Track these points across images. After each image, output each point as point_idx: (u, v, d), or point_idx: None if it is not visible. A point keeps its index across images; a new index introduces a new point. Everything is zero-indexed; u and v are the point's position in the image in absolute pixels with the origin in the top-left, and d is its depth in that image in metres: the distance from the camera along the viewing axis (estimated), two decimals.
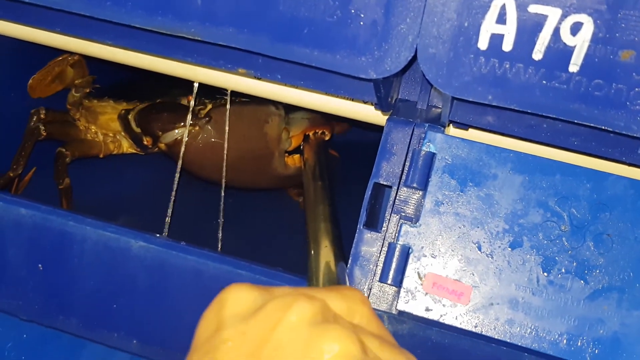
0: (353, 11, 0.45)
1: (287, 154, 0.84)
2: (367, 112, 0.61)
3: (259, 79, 0.58)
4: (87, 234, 0.58)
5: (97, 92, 0.87)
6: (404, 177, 0.54)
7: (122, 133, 0.85)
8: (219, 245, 0.77)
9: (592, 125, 0.44)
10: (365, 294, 0.53)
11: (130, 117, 0.80)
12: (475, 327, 0.50)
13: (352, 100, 0.58)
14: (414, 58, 0.45)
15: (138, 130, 0.80)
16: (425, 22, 0.44)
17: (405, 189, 0.54)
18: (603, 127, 0.43)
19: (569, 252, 0.51)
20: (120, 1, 0.49)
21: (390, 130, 0.55)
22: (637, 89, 0.42)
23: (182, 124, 0.75)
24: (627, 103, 0.43)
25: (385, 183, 0.54)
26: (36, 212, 0.59)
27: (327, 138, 0.84)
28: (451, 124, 0.56)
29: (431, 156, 0.53)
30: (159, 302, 0.58)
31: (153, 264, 0.58)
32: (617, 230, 0.50)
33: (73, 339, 0.64)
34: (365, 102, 0.59)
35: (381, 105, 0.54)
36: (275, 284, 0.55)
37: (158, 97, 0.83)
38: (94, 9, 0.50)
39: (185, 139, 0.75)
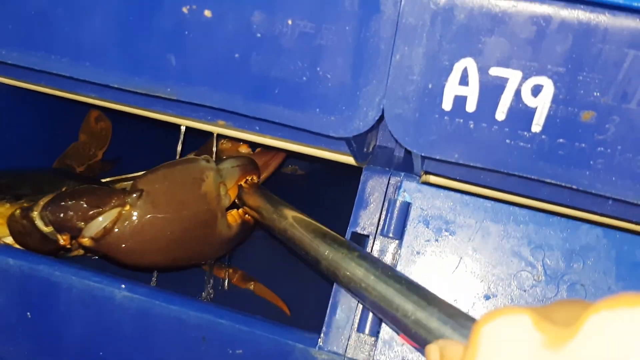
0: (321, 73, 0.46)
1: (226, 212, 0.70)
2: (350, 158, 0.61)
3: (237, 130, 0.59)
4: (73, 283, 0.60)
5: None
6: (380, 225, 0.55)
7: (5, 241, 0.69)
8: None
9: (556, 183, 0.44)
10: (344, 344, 0.54)
11: (34, 215, 0.62)
12: None
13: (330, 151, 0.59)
14: (382, 117, 0.46)
15: (48, 229, 0.62)
16: (390, 84, 0.45)
17: (382, 238, 0.55)
18: (567, 185, 0.44)
19: (543, 301, 0.51)
20: (98, 63, 0.50)
21: (367, 179, 0.56)
22: (599, 149, 0.43)
23: (108, 206, 0.59)
24: (590, 162, 0.43)
25: (362, 232, 0.55)
26: (23, 262, 0.60)
27: (256, 181, 0.72)
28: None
29: (407, 205, 0.54)
30: (144, 349, 0.59)
31: (136, 312, 0.59)
32: (590, 279, 0.51)
33: None
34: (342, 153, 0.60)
35: (356, 157, 0.55)
36: (256, 333, 0.56)
37: (50, 191, 0.67)
38: (73, 70, 0.51)
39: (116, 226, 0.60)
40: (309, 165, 1.11)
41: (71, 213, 0.59)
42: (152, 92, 0.50)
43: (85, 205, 0.59)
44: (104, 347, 0.61)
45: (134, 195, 0.60)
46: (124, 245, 0.60)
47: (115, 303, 0.59)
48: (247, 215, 0.70)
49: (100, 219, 0.59)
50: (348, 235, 0.55)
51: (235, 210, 0.70)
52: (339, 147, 0.55)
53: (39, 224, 0.61)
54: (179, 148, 0.72)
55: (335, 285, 0.55)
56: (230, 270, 0.81)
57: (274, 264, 0.86)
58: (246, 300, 0.79)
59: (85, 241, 0.60)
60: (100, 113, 0.96)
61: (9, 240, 0.69)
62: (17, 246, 0.68)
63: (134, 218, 0.60)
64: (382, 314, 0.47)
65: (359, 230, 0.55)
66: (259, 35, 0.47)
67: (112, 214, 0.60)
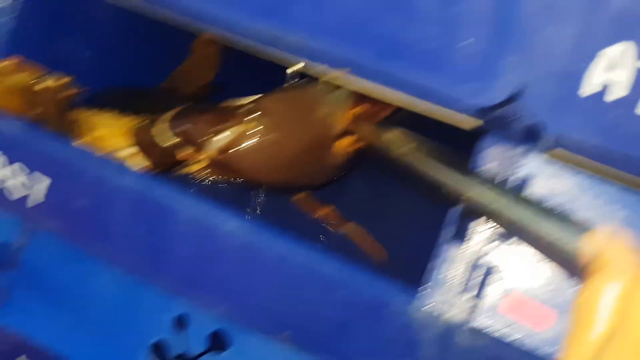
0: (460, 40, 0.44)
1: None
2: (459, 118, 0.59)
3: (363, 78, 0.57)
4: (186, 208, 0.62)
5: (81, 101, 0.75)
6: None
7: (129, 150, 0.72)
8: None
9: None
10: (445, 304, 0.54)
11: (161, 127, 0.66)
12: (551, 355, 0.51)
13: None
14: (518, 93, 0.44)
15: (173, 141, 0.66)
16: (533, 59, 0.42)
17: None
18: None
19: None
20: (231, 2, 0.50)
21: (486, 146, 0.54)
22: None
23: (233, 123, 0.63)
24: None
25: None
26: (143, 183, 0.63)
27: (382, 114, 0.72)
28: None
29: (524, 177, 0.52)
30: (248, 279, 0.62)
31: (242, 244, 0.61)
32: None
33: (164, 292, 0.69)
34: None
35: (485, 124, 0.53)
36: (358, 279, 0.57)
37: (166, 108, 0.71)
38: (205, 8, 0.51)
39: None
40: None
41: (198, 127, 0.64)
42: (283, 37, 0.50)
43: (211, 121, 0.63)
44: (208, 269, 0.63)
45: (256, 114, 0.63)
46: (244, 160, 0.64)
47: (223, 232, 0.61)
48: (353, 146, 0.71)
49: (224, 134, 0.63)
50: (459, 204, 0.54)
51: (346, 139, 0.71)
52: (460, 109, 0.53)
53: (166, 135, 0.66)
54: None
55: (442, 245, 0.55)
56: (327, 210, 0.81)
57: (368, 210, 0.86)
58: None
59: (208, 154, 0.65)
60: (211, 37, 0.93)
61: (126, 152, 0.72)
62: (136, 159, 0.72)
63: (255, 136, 0.63)
64: (514, 232, 0.48)
65: None
66: None
67: (235, 130, 0.63)
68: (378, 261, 0.75)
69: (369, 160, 0.71)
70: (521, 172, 0.52)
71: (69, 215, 0.67)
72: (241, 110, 0.64)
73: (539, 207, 0.45)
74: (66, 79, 0.71)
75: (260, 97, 0.65)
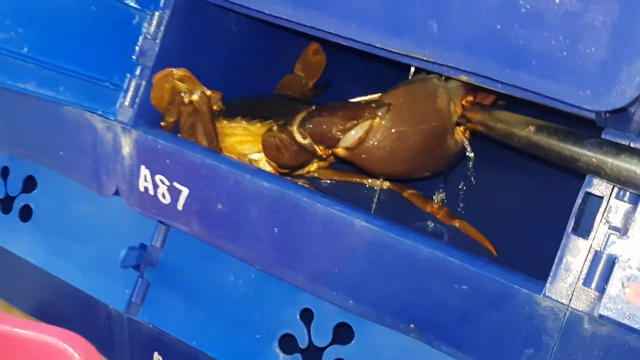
0: (582, 49, 0.48)
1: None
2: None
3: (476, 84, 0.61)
4: (317, 209, 0.67)
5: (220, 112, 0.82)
6: (615, 189, 0.56)
7: (259, 155, 0.79)
8: None
9: None
10: (569, 294, 0.58)
11: (292, 129, 0.71)
12: None
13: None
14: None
15: (306, 141, 0.70)
16: None
17: (616, 201, 0.57)
18: None
19: None
20: (364, 24, 0.55)
21: None
22: None
23: (362, 119, 0.66)
24: None
25: (597, 193, 0.57)
26: (276, 186, 0.69)
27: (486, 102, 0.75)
28: None
29: None
30: (375, 275, 0.67)
31: (371, 241, 0.66)
32: None
33: (291, 286, 0.74)
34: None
35: (599, 122, 0.56)
36: (483, 274, 0.61)
37: (288, 113, 0.77)
38: (341, 29, 0.56)
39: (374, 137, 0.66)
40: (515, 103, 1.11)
41: (330, 126, 0.67)
42: (411, 53, 0.54)
43: (341, 119, 0.67)
44: (337, 267, 0.69)
45: (383, 108, 0.66)
46: (373, 154, 0.68)
47: (354, 230, 0.66)
48: (467, 133, 0.74)
49: (354, 131, 0.67)
50: (581, 195, 0.58)
51: (461, 128, 0.75)
52: (580, 112, 0.56)
53: (298, 137, 0.70)
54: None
55: (564, 239, 0.58)
56: (436, 206, 0.85)
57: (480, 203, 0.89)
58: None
59: (341, 151, 0.69)
60: (319, 47, 1.00)
61: (256, 156, 0.80)
62: (263, 163, 0.80)
63: (384, 129, 0.66)
64: None
65: (593, 191, 0.57)
66: (524, 10, 0.49)
67: (364, 125, 0.66)
68: (490, 254, 0.79)
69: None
70: None
71: (206, 218, 0.74)
72: (369, 105, 0.67)
73: None
74: (219, 94, 0.79)
75: (386, 92, 0.69)
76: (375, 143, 0.67)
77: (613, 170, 0.53)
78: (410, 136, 0.68)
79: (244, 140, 0.80)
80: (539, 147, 0.60)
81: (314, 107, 0.72)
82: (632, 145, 0.54)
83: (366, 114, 0.66)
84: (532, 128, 0.61)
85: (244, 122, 0.79)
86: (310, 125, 0.69)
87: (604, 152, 0.54)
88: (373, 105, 0.66)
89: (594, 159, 0.54)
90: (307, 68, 1.01)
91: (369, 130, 0.66)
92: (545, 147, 0.59)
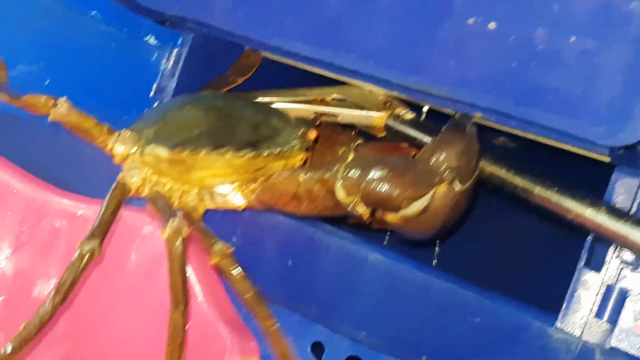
0: (598, 87, 0.50)
1: None
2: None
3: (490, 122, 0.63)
4: (332, 242, 0.68)
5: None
6: None
7: (225, 188, 0.66)
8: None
9: None
10: (581, 327, 0.59)
11: (336, 184, 0.57)
12: None
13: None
14: None
15: (349, 199, 0.57)
16: None
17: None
18: None
19: None
20: (382, 61, 0.57)
21: (617, 179, 0.59)
22: None
23: (432, 187, 0.56)
24: None
25: None
26: (291, 220, 0.70)
27: None
28: None
29: None
30: (388, 307, 0.67)
31: (385, 274, 0.67)
32: None
33: (303, 319, 0.74)
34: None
35: (612, 160, 0.58)
36: (496, 306, 0.62)
37: (271, 134, 0.65)
38: (358, 65, 0.58)
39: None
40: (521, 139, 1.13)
41: (396, 192, 0.55)
42: (428, 90, 0.56)
43: (411, 185, 0.56)
44: (351, 298, 0.69)
45: (451, 174, 0.56)
46: (424, 220, 0.58)
47: (367, 263, 0.67)
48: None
49: (423, 199, 0.56)
50: None
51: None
52: (593, 149, 0.58)
53: (340, 193, 0.57)
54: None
55: (576, 273, 0.59)
56: None
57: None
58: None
59: (394, 218, 0.58)
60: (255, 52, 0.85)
61: (226, 189, 0.66)
62: (234, 196, 0.66)
63: (447, 195, 0.57)
64: None
65: None
66: (539, 48, 0.51)
67: (431, 192, 0.56)
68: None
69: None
70: None
71: None
72: (437, 170, 0.57)
73: None
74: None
75: (438, 144, 0.58)
76: (433, 210, 0.57)
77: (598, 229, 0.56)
78: (462, 197, 0.59)
79: (220, 173, 0.64)
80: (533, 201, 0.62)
81: (357, 158, 0.59)
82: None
83: (437, 179, 0.56)
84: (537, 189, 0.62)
85: (228, 154, 0.62)
86: (369, 187, 0.56)
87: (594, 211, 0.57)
88: (442, 169, 0.56)
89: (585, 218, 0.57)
90: (239, 68, 0.84)
91: (433, 196, 0.56)
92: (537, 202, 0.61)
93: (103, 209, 0.61)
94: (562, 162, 0.87)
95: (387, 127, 0.73)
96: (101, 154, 0.74)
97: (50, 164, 0.75)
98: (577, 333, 0.59)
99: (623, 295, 0.57)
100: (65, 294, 0.56)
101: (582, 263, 0.59)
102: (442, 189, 0.56)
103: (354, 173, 0.56)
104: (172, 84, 0.75)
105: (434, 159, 0.57)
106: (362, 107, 0.74)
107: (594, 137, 0.51)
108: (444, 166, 0.56)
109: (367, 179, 0.56)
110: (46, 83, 0.68)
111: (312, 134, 0.66)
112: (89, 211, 0.68)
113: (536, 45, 0.51)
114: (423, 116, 0.75)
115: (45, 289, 0.69)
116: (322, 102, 0.77)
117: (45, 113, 0.62)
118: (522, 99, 0.53)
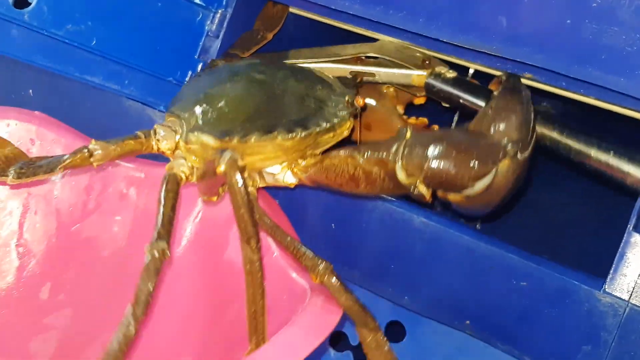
0: None
1: None
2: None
3: (540, 83, 0.62)
4: (377, 204, 0.68)
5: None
6: None
7: (275, 169, 0.63)
8: None
9: None
10: (629, 290, 0.58)
11: (396, 165, 0.54)
12: None
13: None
14: None
15: (410, 180, 0.54)
16: None
17: None
18: None
19: None
20: (432, 19, 0.56)
21: None
22: None
23: (496, 163, 0.53)
24: None
25: None
26: None
27: None
28: None
29: None
30: (433, 270, 0.67)
31: (430, 237, 0.66)
32: None
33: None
34: None
35: None
36: (543, 270, 0.61)
37: (318, 107, 0.62)
38: (408, 24, 0.57)
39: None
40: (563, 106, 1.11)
41: (462, 171, 0.53)
42: (478, 48, 0.55)
43: (476, 162, 0.53)
44: (396, 261, 0.69)
45: (513, 147, 0.53)
46: (484, 198, 0.55)
47: (413, 227, 0.67)
48: None
49: (487, 178, 0.53)
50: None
51: None
52: None
53: (401, 174, 0.54)
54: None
55: (625, 236, 0.58)
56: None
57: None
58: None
59: (457, 197, 0.55)
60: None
61: (276, 169, 0.64)
62: (284, 175, 0.64)
63: (510, 171, 0.53)
64: None
65: None
66: (594, 4, 0.49)
67: (494, 170, 0.53)
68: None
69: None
70: None
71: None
72: (500, 143, 0.54)
73: None
74: None
75: (504, 123, 0.54)
76: (498, 185, 0.54)
77: None
78: (524, 168, 0.56)
79: (270, 156, 0.62)
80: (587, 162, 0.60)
81: (415, 134, 0.55)
82: None
83: (500, 155, 0.53)
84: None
85: (279, 137, 0.59)
86: (431, 168, 0.53)
87: None
88: (505, 142, 0.53)
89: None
90: (266, 21, 0.83)
91: (497, 173, 0.53)
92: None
93: (161, 206, 0.57)
94: (607, 130, 0.86)
95: (428, 86, 0.69)
96: None
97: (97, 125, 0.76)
98: (625, 297, 0.58)
99: None
100: (145, 304, 0.50)
101: (631, 226, 0.58)
102: (505, 164, 0.53)
103: (415, 152, 0.53)
104: (217, 45, 0.75)
105: (493, 130, 0.53)
106: (399, 65, 0.71)
107: None
108: (505, 139, 0.53)
109: (428, 158, 0.53)
110: (93, 43, 0.68)
111: (359, 101, 0.64)
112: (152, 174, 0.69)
113: (591, 1, 0.50)
114: (469, 77, 0.73)
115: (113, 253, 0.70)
116: (359, 60, 0.74)
117: (88, 164, 0.59)
118: (575, 57, 0.52)
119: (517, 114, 0.53)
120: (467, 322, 0.67)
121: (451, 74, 0.68)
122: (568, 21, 0.51)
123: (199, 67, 0.76)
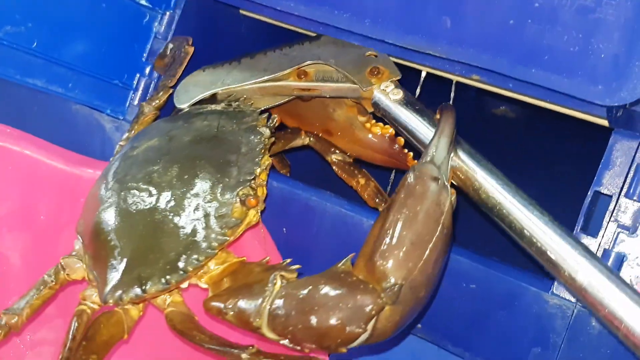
0: (594, 44, 0.48)
1: None
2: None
3: (488, 84, 0.62)
4: (327, 208, 0.67)
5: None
6: (625, 188, 0.57)
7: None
8: None
9: None
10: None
11: (264, 326, 0.51)
12: None
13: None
14: None
15: (277, 338, 0.51)
16: None
17: (625, 199, 0.57)
18: None
19: None
20: (378, 21, 0.55)
21: (615, 142, 0.58)
22: None
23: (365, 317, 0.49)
24: None
25: (606, 192, 0.58)
26: (285, 186, 0.69)
27: None
28: None
29: None
30: None
31: None
32: None
33: None
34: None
35: (610, 122, 0.57)
36: (492, 272, 0.61)
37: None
38: (354, 25, 0.57)
39: None
40: (520, 109, 1.12)
41: (328, 344, 0.50)
42: (424, 50, 0.55)
43: (344, 328, 0.48)
44: None
45: (390, 292, 0.48)
46: (386, 333, 0.51)
47: (363, 229, 0.66)
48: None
49: (361, 337, 0.49)
50: (590, 194, 0.58)
51: None
52: (591, 110, 0.57)
53: (269, 335, 0.51)
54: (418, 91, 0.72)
55: (574, 233, 0.58)
56: (362, 182, 0.75)
57: None
58: None
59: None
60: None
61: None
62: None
63: (395, 314, 0.50)
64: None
65: (602, 190, 0.58)
66: (537, 5, 0.49)
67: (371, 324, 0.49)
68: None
69: None
70: None
71: None
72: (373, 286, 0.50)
73: None
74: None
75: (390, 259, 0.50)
76: (382, 333, 0.51)
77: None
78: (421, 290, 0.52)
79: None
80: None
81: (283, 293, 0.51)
82: None
83: (374, 305, 0.49)
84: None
85: (153, 290, 0.56)
86: (298, 337, 0.50)
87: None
88: (376, 288, 0.49)
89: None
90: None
91: (375, 327, 0.50)
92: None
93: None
94: (562, 131, 0.87)
95: (374, 104, 0.65)
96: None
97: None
98: (573, 298, 0.58)
99: (620, 260, 0.56)
100: None
101: (578, 228, 0.59)
102: (384, 314, 0.48)
103: (279, 316, 0.50)
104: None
105: (377, 269, 0.49)
106: (345, 76, 0.66)
107: (591, 96, 0.50)
108: (384, 282, 0.48)
109: (292, 325, 0.49)
110: (34, 45, 0.66)
111: (252, 202, 0.58)
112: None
113: (533, 2, 0.49)
114: (420, 81, 0.73)
115: None
116: (302, 73, 0.69)
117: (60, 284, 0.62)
118: (519, 58, 0.52)
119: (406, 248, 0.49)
120: (419, 325, 0.67)
121: (397, 94, 0.63)
122: (511, 21, 0.51)
123: (147, 69, 0.74)
